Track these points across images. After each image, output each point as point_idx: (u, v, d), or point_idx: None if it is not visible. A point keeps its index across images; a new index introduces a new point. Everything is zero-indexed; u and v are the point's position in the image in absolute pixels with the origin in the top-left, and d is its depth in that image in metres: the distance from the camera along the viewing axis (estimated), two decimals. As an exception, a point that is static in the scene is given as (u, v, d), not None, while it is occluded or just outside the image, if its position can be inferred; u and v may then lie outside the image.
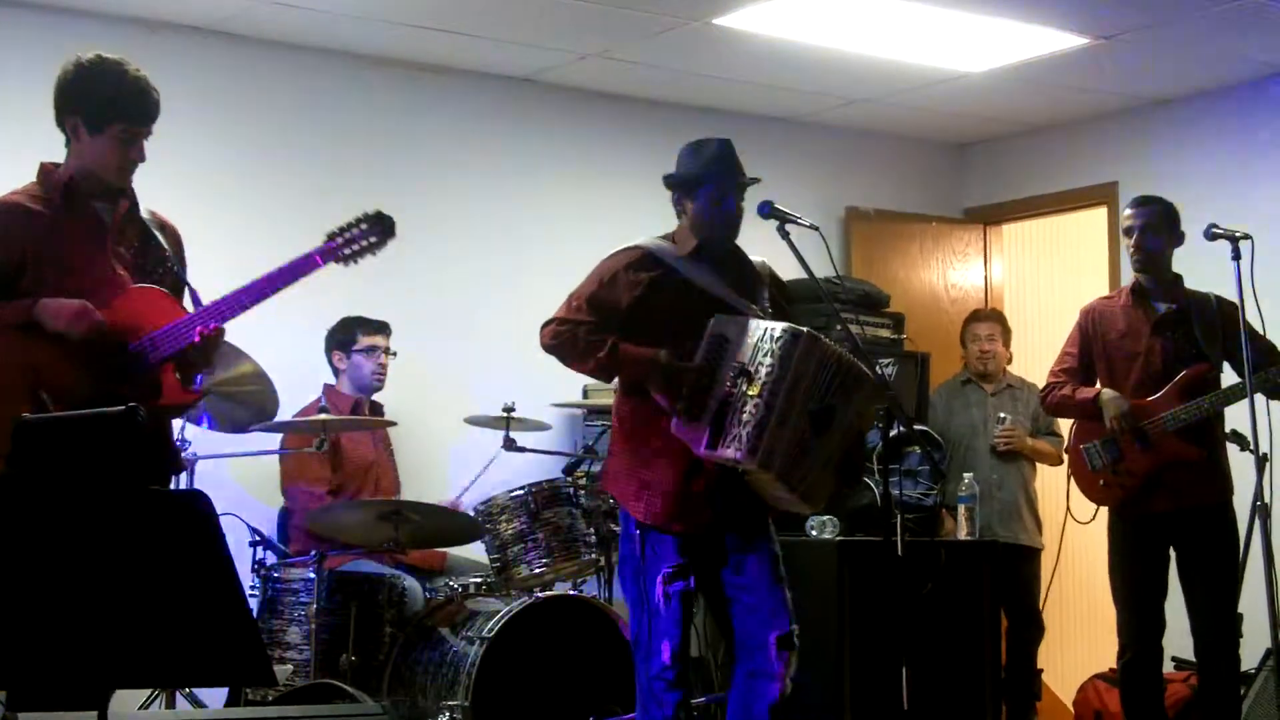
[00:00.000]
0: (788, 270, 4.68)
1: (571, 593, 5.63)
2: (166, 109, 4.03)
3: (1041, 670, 6.87)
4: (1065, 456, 5.70)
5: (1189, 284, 5.48)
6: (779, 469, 4.21)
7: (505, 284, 7.00)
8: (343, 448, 5.96)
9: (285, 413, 5.72)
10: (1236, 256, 5.06)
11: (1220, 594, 5.28)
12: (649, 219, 5.72)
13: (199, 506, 2.78)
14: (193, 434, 5.45)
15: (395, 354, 6.19)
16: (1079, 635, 7.70)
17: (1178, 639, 5.48)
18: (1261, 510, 5.17)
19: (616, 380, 4.60)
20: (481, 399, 6.08)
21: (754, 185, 4.54)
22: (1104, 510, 5.52)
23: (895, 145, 8.16)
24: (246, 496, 6.02)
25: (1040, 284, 8.34)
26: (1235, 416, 5.25)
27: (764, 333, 4.27)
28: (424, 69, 6.93)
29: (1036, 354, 7.41)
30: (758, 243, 4.69)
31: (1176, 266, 5.49)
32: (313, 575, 5.25)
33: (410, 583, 5.52)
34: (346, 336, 6.15)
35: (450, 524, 5.69)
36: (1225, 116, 7.20)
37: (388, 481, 6.15)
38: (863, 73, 7.02)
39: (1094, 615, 7.68)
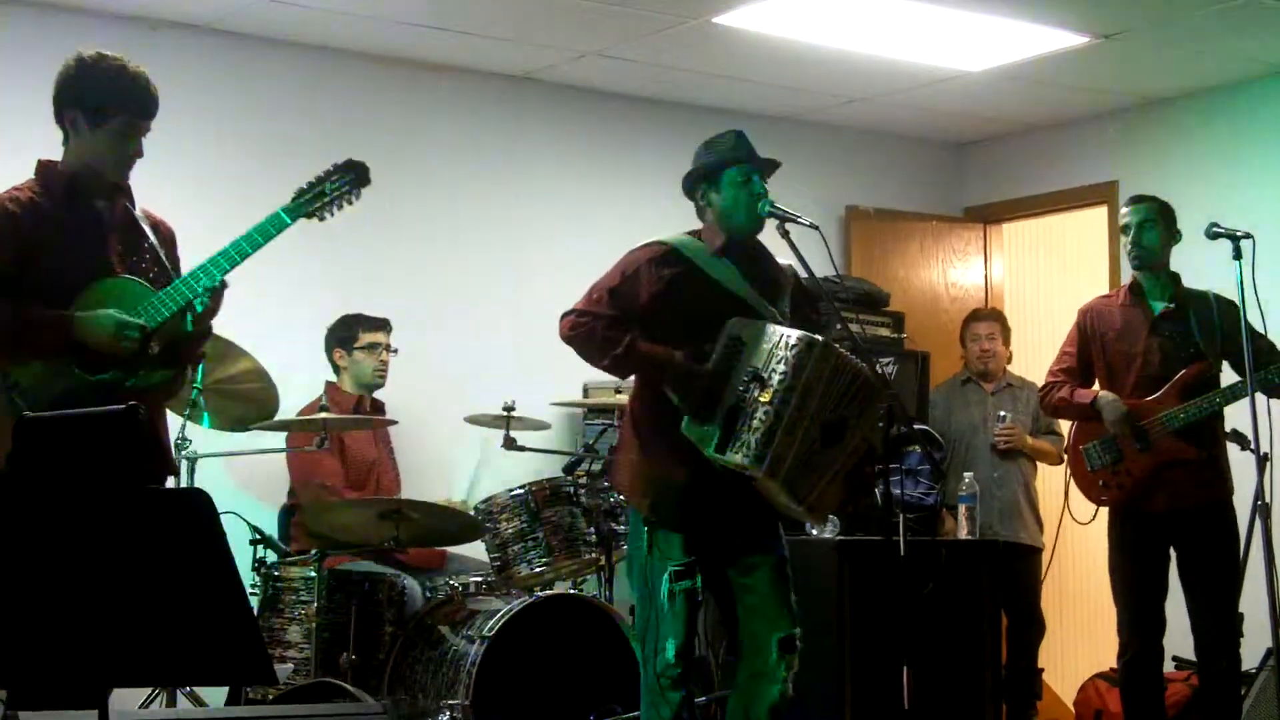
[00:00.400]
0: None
1: (572, 592, 5.63)
2: (166, 107, 4.03)
3: (1042, 669, 6.88)
4: (1065, 456, 5.70)
5: (1190, 283, 5.48)
6: (785, 478, 4.20)
7: (505, 282, 7.00)
8: (345, 446, 5.96)
9: (286, 411, 5.72)
10: (1238, 256, 5.06)
11: (1220, 593, 5.28)
12: (650, 217, 5.73)
13: (199, 504, 2.78)
14: (193, 432, 5.45)
15: (396, 351, 6.19)
16: (1080, 634, 7.70)
17: (1178, 638, 5.48)
18: (1262, 510, 5.17)
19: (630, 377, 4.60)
20: (482, 398, 6.07)
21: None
22: (1103, 510, 5.52)
23: (895, 144, 8.16)
24: (247, 495, 6.02)
25: (1040, 283, 8.34)
26: (1236, 416, 5.24)
27: (780, 339, 4.25)
28: (423, 67, 6.93)
29: (1036, 353, 7.41)
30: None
31: (1178, 265, 5.49)
32: (313, 574, 5.25)
33: (410, 582, 5.52)
34: (347, 334, 6.15)
35: (451, 523, 5.68)
36: (1226, 115, 7.20)
37: (388, 480, 6.15)
38: (862, 72, 7.02)
39: (1095, 614, 7.67)
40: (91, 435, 3.65)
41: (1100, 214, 7.69)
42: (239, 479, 6.03)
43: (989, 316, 7.16)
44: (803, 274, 4.55)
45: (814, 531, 5.88)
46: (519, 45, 6.71)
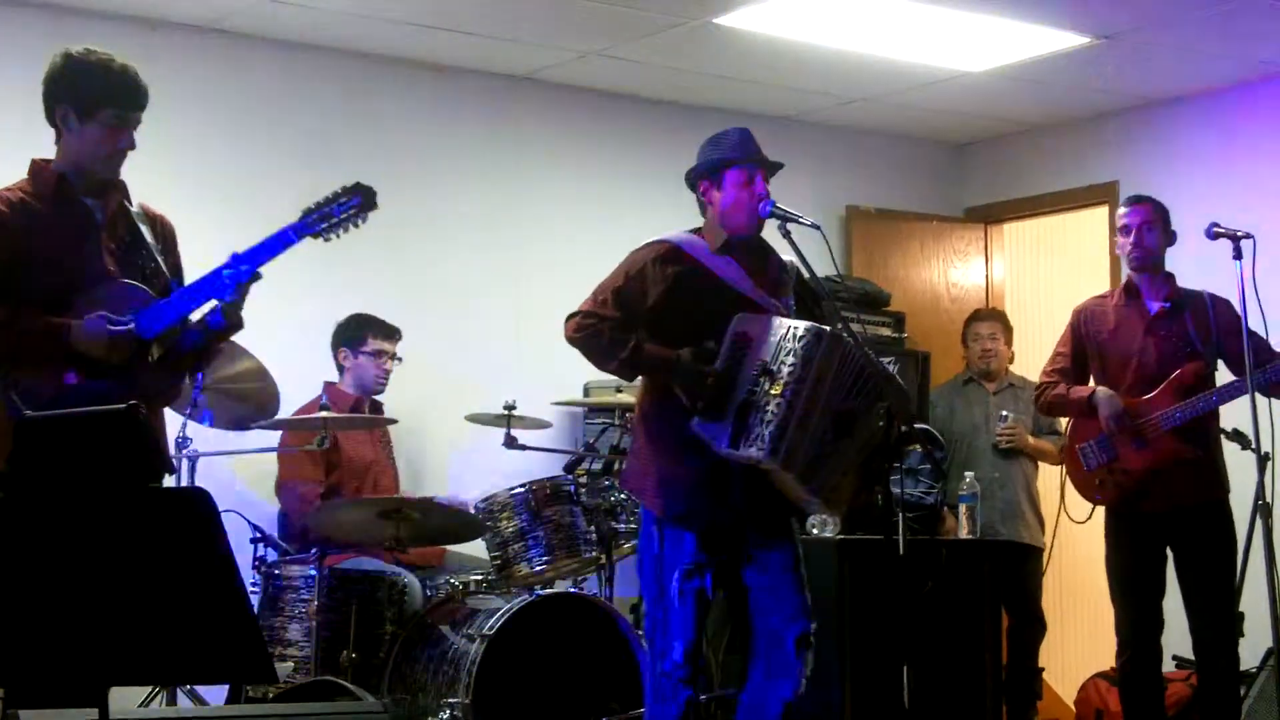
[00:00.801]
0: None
1: (572, 590, 5.63)
2: (166, 106, 4.03)
3: (1042, 669, 6.88)
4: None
5: (1190, 283, 5.48)
6: (800, 469, 4.20)
7: (506, 281, 7.00)
8: (342, 446, 5.96)
9: (285, 410, 5.73)
10: (1238, 256, 5.06)
11: (1218, 593, 5.28)
12: (651, 216, 5.72)
13: (200, 503, 2.78)
14: (194, 431, 5.45)
15: (401, 360, 6.19)
16: (1080, 634, 7.70)
17: (1179, 638, 5.48)
18: (1263, 509, 5.17)
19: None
20: (482, 397, 6.07)
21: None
22: (1099, 510, 5.52)
23: (896, 144, 8.16)
24: (248, 493, 6.03)
25: (1041, 283, 8.34)
26: (1237, 415, 5.24)
27: (787, 331, 4.26)
28: (424, 67, 6.93)
29: (1037, 353, 7.38)
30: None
31: (1179, 264, 5.49)
32: (313, 572, 5.25)
33: (411, 580, 5.52)
34: (356, 335, 6.14)
35: (451, 522, 5.69)
36: (1226, 115, 7.20)
37: (387, 480, 6.15)
38: (863, 72, 7.02)
39: (1095, 614, 7.67)
40: (92, 435, 3.66)
41: (1101, 214, 7.69)
42: (240, 477, 6.03)
43: (991, 316, 7.16)
44: (804, 273, 4.55)
45: (814, 530, 5.89)
46: (520, 45, 6.71)
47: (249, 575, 5.38)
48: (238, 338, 5.08)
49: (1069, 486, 5.56)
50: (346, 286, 6.47)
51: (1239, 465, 5.35)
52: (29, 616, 2.75)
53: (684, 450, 4.35)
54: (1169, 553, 5.37)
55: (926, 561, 5.75)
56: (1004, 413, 6.77)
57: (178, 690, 5.11)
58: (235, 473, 5.99)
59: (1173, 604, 5.38)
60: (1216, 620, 5.26)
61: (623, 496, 5.57)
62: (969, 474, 6.36)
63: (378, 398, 6.22)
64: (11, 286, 3.85)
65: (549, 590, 5.48)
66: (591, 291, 4.49)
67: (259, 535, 5.50)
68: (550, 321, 4.80)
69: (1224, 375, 5.37)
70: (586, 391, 6.69)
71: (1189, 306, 5.37)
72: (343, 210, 3.99)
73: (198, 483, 5.35)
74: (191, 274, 4.07)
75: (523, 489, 5.60)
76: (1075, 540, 5.99)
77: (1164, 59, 6.82)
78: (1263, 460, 5.06)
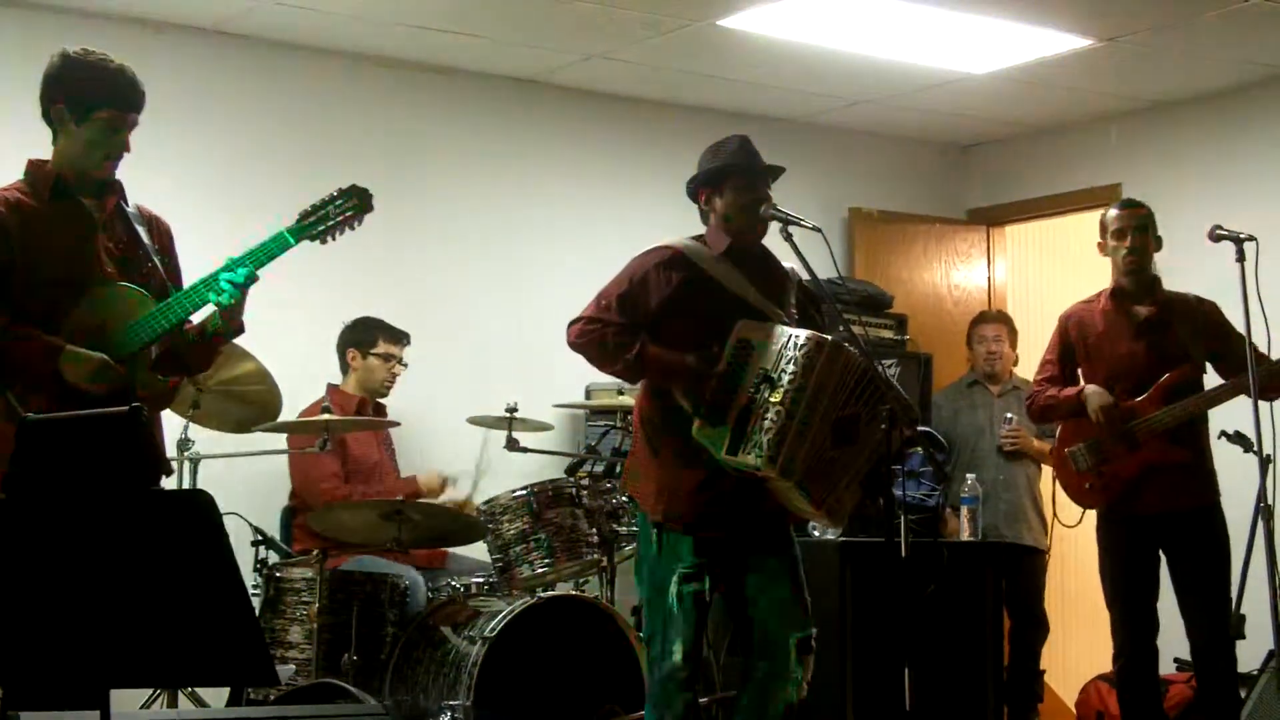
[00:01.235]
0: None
1: (574, 593, 5.63)
2: (169, 109, 4.04)
3: (1044, 671, 6.88)
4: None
5: (1191, 286, 5.47)
6: (799, 477, 4.20)
7: (508, 284, 7.01)
8: (347, 447, 5.96)
9: (288, 412, 5.73)
10: (1241, 258, 5.06)
11: (1213, 596, 5.26)
12: (654, 219, 5.74)
13: (201, 505, 2.78)
14: (196, 433, 5.45)
15: (407, 365, 6.19)
16: (1081, 636, 7.69)
17: (1179, 640, 5.47)
18: (1265, 512, 5.16)
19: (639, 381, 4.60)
20: (484, 399, 6.08)
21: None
22: (1090, 514, 5.51)
23: (898, 146, 8.16)
24: (249, 496, 6.02)
25: (1043, 285, 8.34)
26: (1238, 418, 5.24)
27: (789, 339, 4.26)
28: (428, 70, 6.93)
29: (1039, 356, 7.39)
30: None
31: (1183, 266, 5.48)
32: (315, 575, 5.25)
33: (412, 582, 5.51)
34: (366, 337, 6.14)
35: (453, 524, 5.69)
36: (1228, 118, 7.21)
37: (391, 481, 6.15)
38: (866, 74, 7.02)
39: (1096, 616, 7.65)
40: (94, 436, 3.67)
41: (1103, 216, 7.69)
42: (241, 480, 6.03)
43: (996, 319, 7.16)
44: (805, 276, 4.55)
45: (816, 533, 5.89)
46: (524, 48, 6.71)
47: (250, 577, 5.39)
48: (240, 340, 5.11)
49: (1059, 491, 5.55)
50: (349, 289, 6.48)
51: (1238, 467, 5.34)
52: (30, 618, 2.76)
53: (684, 455, 4.36)
54: (1161, 555, 5.36)
55: (928, 564, 5.75)
56: (1008, 415, 6.77)
57: (179, 692, 5.11)
58: (237, 475, 5.98)
59: (1170, 605, 5.37)
60: (1212, 623, 5.25)
61: (624, 499, 5.57)
62: (970, 476, 6.36)
63: (380, 400, 6.22)
64: (9, 288, 3.85)
65: (550, 592, 5.48)
66: (594, 297, 4.49)
67: (260, 537, 5.50)
68: (553, 324, 4.80)
69: (1212, 379, 5.37)
70: (588, 394, 6.69)
71: (1176, 310, 5.37)
72: (339, 212, 3.99)
73: (199, 485, 5.35)
74: (191, 276, 4.07)
75: (524, 491, 5.60)
76: (1076, 542, 5.99)
77: (1166, 62, 6.82)
78: (1265, 463, 5.06)
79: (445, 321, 6.79)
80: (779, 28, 6.38)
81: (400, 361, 6.16)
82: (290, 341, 6.11)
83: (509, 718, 5.16)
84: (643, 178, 7.27)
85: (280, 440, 5.86)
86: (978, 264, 8.26)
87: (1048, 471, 6.84)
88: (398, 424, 6.12)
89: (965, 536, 6.23)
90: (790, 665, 4.38)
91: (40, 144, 4.06)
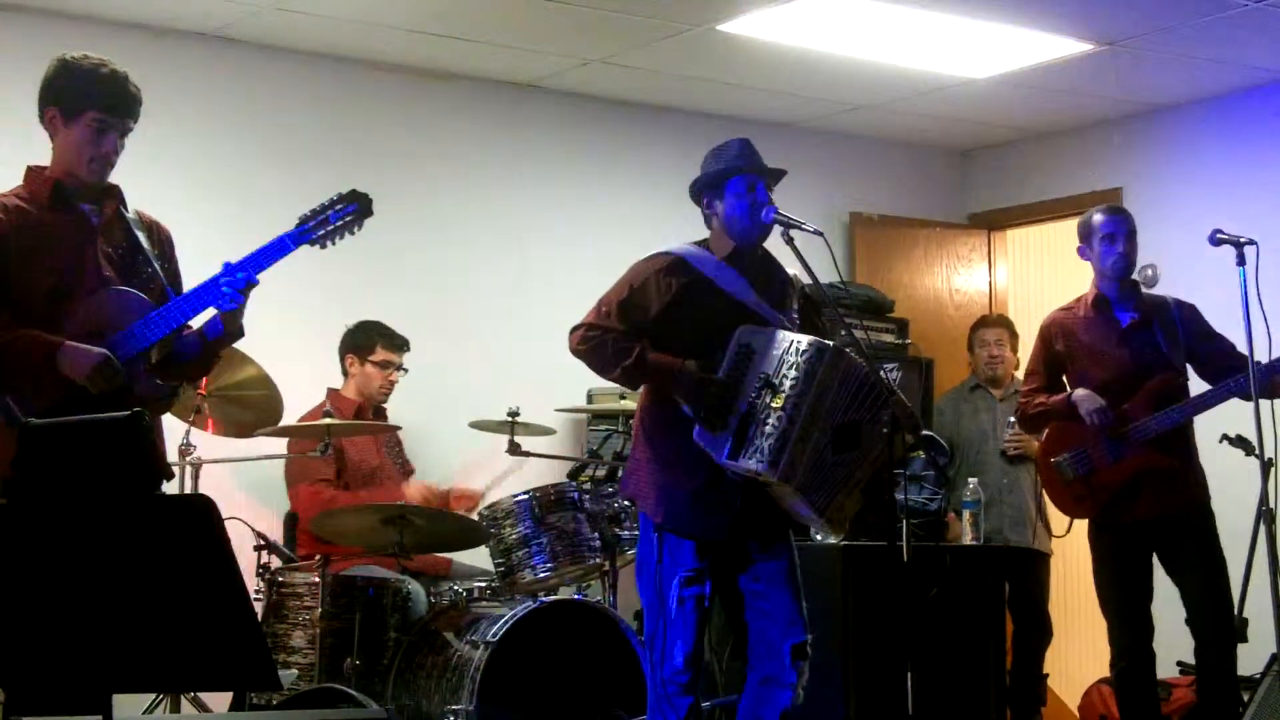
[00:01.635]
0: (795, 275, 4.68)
1: (576, 597, 5.63)
2: (170, 113, 4.04)
3: (1047, 675, 6.87)
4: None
5: (1191, 289, 5.48)
6: (799, 483, 4.21)
7: (509, 289, 7.01)
8: (346, 453, 5.96)
9: (288, 417, 5.73)
10: (1241, 262, 5.06)
11: (1214, 594, 5.26)
12: (655, 223, 5.75)
13: (203, 510, 2.78)
14: (198, 438, 5.45)
15: (406, 371, 6.19)
16: (1084, 640, 7.68)
17: (1182, 642, 5.47)
18: (1267, 515, 5.15)
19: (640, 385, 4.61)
20: (486, 403, 6.08)
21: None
22: (1079, 522, 5.51)
23: (899, 151, 8.16)
24: (251, 500, 6.03)
25: (1044, 289, 8.33)
26: (1239, 420, 5.23)
27: (790, 345, 4.26)
28: (428, 75, 6.94)
29: (1040, 359, 7.41)
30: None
31: (1182, 269, 5.48)
32: (317, 580, 5.25)
33: (414, 587, 5.52)
34: (365, 343, 6.14)
35: (455, 528, 5.69)
36: (1229, 122, 7.21)
37: (392, 485, 6.13)
38: (867, 79, 7.03)
39: (1099, 620, 7.64)
40: (96, 441, 3.66)
41: (1104, 220, 7.69)
42: (243, 484, 6.03)
43: (998, 323, 7.16)
44: (807, 281, 4.56)
45: (819, 537, 5.89)
46: (523, 53, 6.71)
47: (252, 582, 5.38)
48: (241, 345, 5.11)
49: (1046, 500, 5.54)
50: (350, 294, 6.48)
51: (1242, 471, 5.33)
52: (32, 623, 2.76)
53: (685, 459, 4.36)
54: (1154, 558, 5.36)
55: (931, 567, 5.74)
56: (1011, 419, 6.77)
57: (181, 697, 5.11)
58: (239, 480, 5.99)
59: (1172, 608, 5.37)
60: (1216, 620, 5.25)
61: (626, 503, 5.57)
62: (972, 480, 6.36)
63: (383, 406, 6.22)
64: (8, 292, 3.85)
65: (552, 597, 5.48)
66: (595, 304, 4.49)
67: (263, 542, 5.50)
68: (554, 328, 4.80)
69: (1196, 385, 5.37)
70: (590, 398, 6.69)
71: (1157, 316, 5.37)
72: (339, 217, 3.99)
73: (201, 490, 5.35)
74: (190, 281, 4.08)
75: (526, 496, 5.60)
76: (1079, 547, 5.97)
77: (1167, 66, 6.82)
78: (1266, 466, 5.06)
79: (446, 326, 6.79)
80: (779, 32, 6.38)
81: (399, 368, 6.16)
82: (292, 346, 6.12)
83: (511, 722, 5.17)
84: (643, 183, 7.27)
85: (282, 445, 5.86)
86: (979, 268, 8.26)
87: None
88: (398, 428, 6.12)
89: (967, 540, 6.22)
90: (785, 671, 4.38)
91: (44, 150, 4.07)
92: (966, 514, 6.25)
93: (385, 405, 6.22)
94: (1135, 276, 5.44)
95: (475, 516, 5.75)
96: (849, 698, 5.64)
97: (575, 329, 4.49)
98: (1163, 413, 5.25)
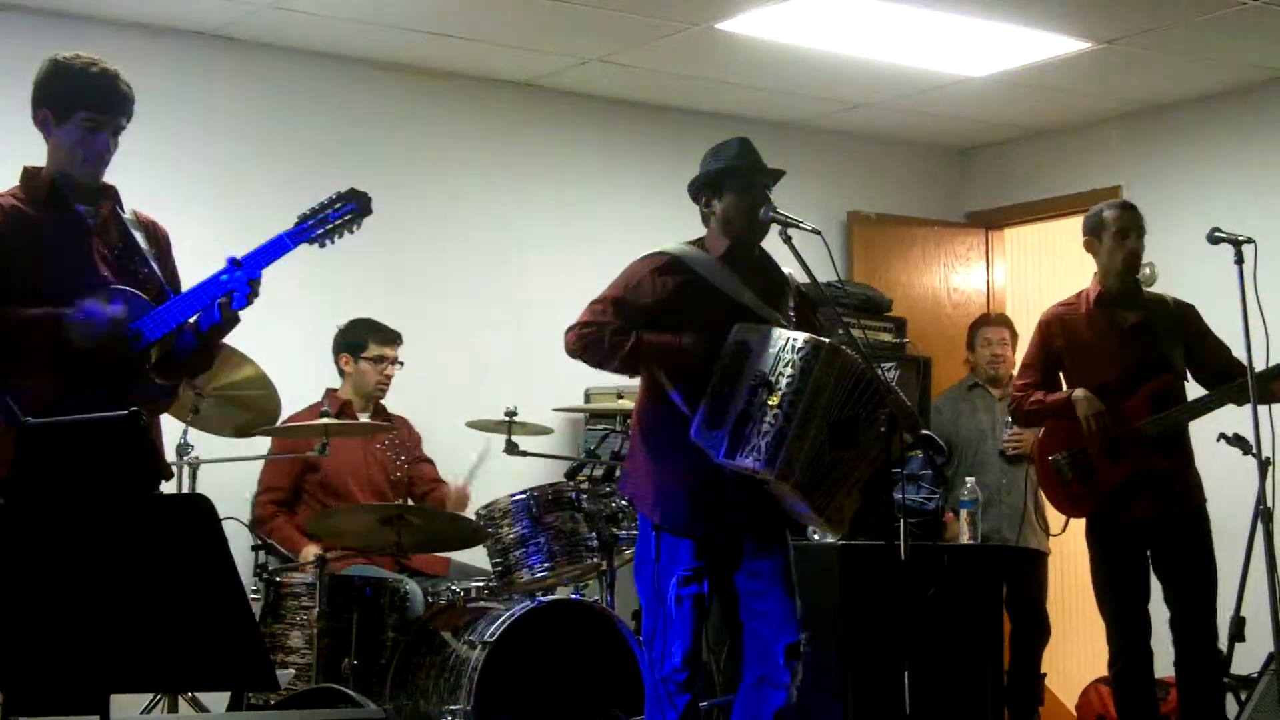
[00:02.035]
0: (792, 274, 4.68)
1: (573, 597, 5.63)
2: (168, 112, 4.04)
3: (1044, 674, 6.87)
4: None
5: (1190, 288, 5.47)
6: (797, 481, 4.20)
7: (507, 288, 7.01)
8: (316, 461, 5.87)
9: (283, 417, 5.73)
10: (1239, 260, 5.06)
11: (1200, 601, 5.25)
12: (654, 222, 5.74)
13: (201, 510, 2.79)
14: (195, 437, 5.45)
15: (403, 364, 6.18)
16: (1081, 639, 7.69)
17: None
18: (1264, 514, 5.16)
19: (637, 381, 4.60)
20: (483, 403, 6.07)
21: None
22: (1074, 521, 5.51)
23: (897, 150, 8.16)
24: (249, 500, 6.02)
25: (1042, 288, 8.33)
26: (1237, 420, 5.24)
27: (786, 342, 4.26)
28: (428, 73, 6.94)
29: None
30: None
31: (1181, 268, 5.47)
32: (315, 579, 5.25)
33: (412, 587, 5.52)
34: (357, 341, 6.14)
35: (452, 528, 5.69)
36: (1227, 120, 7.21)
37: (380, 485, 6.08)
38: (865, 77, 7.03)
39: (1097, 619, 7.65)
40: (94, 441, 3.66)
41: (1102, 219, 7.69)
42: (241, 485, 6.02)
43: (999, 322, 7.16)
44: (804, 280, 4.56)
45: (816, 536, 5.89)
46: (523, 52, 6.71)
47: (250, 582, 5.39)
48: (240, 345, 5.11)
49: (1043, 499, 5.53)
50: (348, 293, 6.48)
51: (1240, 471, 5.33)
52: (30, 623, 2.76)
53: (681, 458, 4.36)
54: (1149, 556, 5.35)
55: (928, 567, 5.74)
56: (1009, 419, 6.77)
57: (179, 697, 5.11)
58: (237, 480, 5.98)
59: (1166, 609, 5.37)
60: (1198, 627, 5.24)
61: (624, 503, 5.57)
62: (970, 479, 6.36)
63: (382, 402, 6.22)
64: (5, 293, 3.85)
65: (550, 597, 5.48)
66: (589, 303, 4.49)
67: (260, 542, 5.50)
68: (551, 327, 4.80)
69: (1194, 388, 5.38)
70: (588, 398, 6.69)
71: (1158, 315, 5.36)
72: (338, 216, 3.99)
73: (199, 489, 5.35)
74: (188, 281, 4.07)
75: (524, 495, 5.60)
76: (1077, 546, 5.98)
77: (1166, 64, 6.82)
78: (1264, 465, 5.06)
79: (444, 325, 6.79)
80: (778, 31, 6.38)
81: (394, 362, 6.15)
82: (288, 345, 6.11)
83: (509, 722, 5.17)
84: (641, 182, 7.27)
85: (281, 445, 5.86)
86: (977, 267, 8.26)
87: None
88: (394, 428, 6.12)
89: (965, 540, 6.22)
90: (778, 670, 4.39)
91: (41, 150, 4.06)
92: (964, 513, 6.25)
93: (384, 402, 6.21)
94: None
95: (472, 516, 5.75)
96: (846, 697, 5.64)
97: (570, 329, 4.49)
98: (1157, 416, 5.24)
